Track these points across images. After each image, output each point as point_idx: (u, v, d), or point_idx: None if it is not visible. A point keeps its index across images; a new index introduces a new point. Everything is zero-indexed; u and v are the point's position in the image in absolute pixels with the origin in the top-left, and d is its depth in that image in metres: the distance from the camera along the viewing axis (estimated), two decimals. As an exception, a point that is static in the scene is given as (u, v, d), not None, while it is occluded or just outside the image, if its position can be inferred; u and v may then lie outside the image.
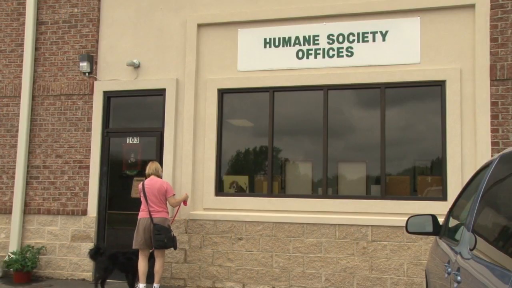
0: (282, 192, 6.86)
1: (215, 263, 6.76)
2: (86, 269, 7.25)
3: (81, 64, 7.49)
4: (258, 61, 6.93)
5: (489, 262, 2.17)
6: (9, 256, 7.26)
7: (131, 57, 7.38)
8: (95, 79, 7.56)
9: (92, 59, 7.54)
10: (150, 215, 6.27)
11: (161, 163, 7.10)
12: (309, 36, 6.77)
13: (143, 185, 6.42)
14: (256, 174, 7.09)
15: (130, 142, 7.38)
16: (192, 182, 6.94)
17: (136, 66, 7.34)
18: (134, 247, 6.31)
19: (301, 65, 6.76)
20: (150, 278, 6.36)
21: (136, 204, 6.59)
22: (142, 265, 6.29)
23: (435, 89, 6.36)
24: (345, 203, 6.44)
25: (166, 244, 6.24)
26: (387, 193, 6.41)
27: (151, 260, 6.40)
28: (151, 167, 6.56)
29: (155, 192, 6.35)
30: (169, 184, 6.58)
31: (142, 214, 6.33)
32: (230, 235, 6.75)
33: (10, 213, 7.56)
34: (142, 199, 6.36)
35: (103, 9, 7.69)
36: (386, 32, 6.52)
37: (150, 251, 6.37)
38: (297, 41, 6.80)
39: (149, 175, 6.51)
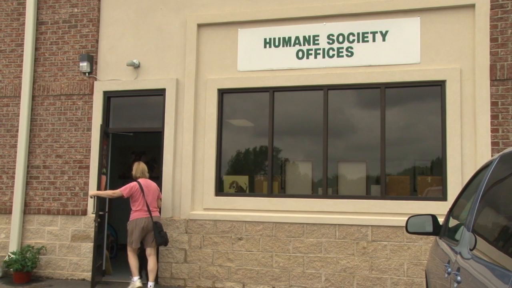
0: (282, 192, 6.86)
1: (215, 263, 6.75)
2: (86, 269, 7.25)
3: (81, 64, 7.48)
4: (258, 61, 6.93)
5: (489, 262, 2.17)
6: (9, 256, 7.26)
7: (131, 57, 7.38)
8: (95, 79, 7.56)
9: (92, 59, 7.54)
10: (151, 214, 6.48)
11: (161, 162, 7.11)
12: (309, 36, 6.77)
13: (140, 185, 6.53)
14: (256, 174, 7.09)
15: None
16: (192, 182, 6.94)
17: (136, 66, 7.34)
18: (135, 246, 6.47)
19: (301, 65, 6.76)
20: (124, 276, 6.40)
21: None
22: (135, 260, 6.52)
23: (435, 89, 6.36)
24: (345, 203, 6.44)
25: (166, 241, 6.52)
26: (387, 193, 6.41)
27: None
28: (138, 169, 6.75)
29: (151, 192, 6.57)
30: None
31: (141, 213, 6.45)
32: (230, 235, 6.74)
33: (10, 213, 7.56)
34: (140, 198, 6.46)
35: (103, 9, 7.69)
36: (386, 32, 6.52)
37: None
38: (297, 41, 6.80)
39: (137, 177, 6.69)
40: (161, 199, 6.82)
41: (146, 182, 6.59)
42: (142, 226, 6.40)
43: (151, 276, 6.40)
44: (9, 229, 7.56)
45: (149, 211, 6.45)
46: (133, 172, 6.72)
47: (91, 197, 6.85)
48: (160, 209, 6.79)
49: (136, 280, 6.41)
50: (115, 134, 7.77)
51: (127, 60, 7.33)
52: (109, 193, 6.73)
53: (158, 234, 6.39)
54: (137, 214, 6.46)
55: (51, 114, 7.68)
